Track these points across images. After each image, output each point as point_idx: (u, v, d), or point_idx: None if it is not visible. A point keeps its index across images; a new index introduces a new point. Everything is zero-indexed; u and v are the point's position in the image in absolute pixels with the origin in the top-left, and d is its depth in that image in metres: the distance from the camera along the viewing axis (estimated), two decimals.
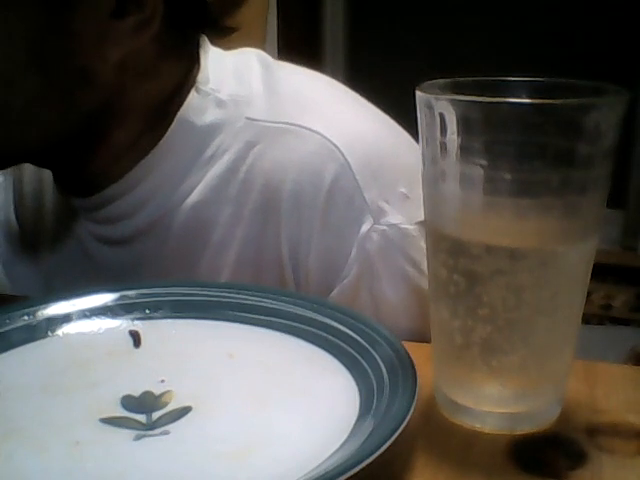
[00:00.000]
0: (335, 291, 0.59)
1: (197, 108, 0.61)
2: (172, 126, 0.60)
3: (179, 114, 0.60)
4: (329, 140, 0.59)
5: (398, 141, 0.63)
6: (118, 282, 0.57)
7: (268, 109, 0.62)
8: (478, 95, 0.36)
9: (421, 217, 0.42)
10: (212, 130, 0.61)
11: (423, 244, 0.44)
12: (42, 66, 0.53)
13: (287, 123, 0.61)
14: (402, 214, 0.58)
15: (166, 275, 0.62)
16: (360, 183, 0.59)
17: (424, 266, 0.45)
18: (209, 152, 0.61)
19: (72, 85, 0.55)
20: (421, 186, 0.41)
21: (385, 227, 0.58)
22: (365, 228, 0.58)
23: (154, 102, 0.60)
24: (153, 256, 0.63)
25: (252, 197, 0.60)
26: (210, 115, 0.61)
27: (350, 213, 0.58)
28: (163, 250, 0.62)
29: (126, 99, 0.58)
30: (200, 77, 0.61)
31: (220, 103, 0.61)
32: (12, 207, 0.73)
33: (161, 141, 0.60)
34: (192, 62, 0.62)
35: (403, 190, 0.59)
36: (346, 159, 0.59)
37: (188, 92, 0.61)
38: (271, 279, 0.60)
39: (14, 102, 0.54)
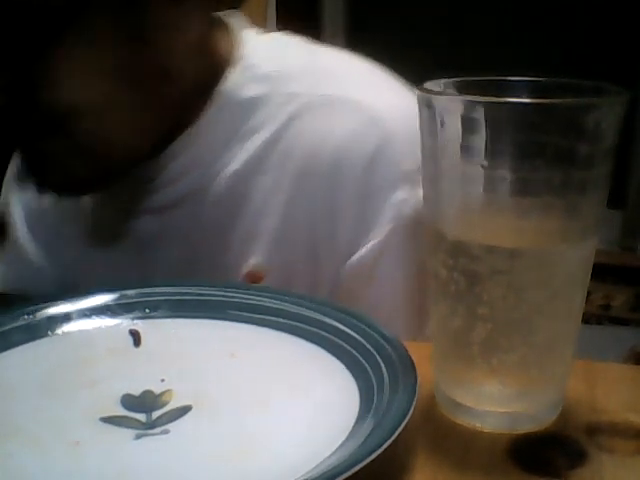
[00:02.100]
0: (361, 251, 0.61)
1: (239, 82, 0.63)
2: (216, 98, 0.62)
3: (220, 88, 0.62)
4: (372, 110, 0.62)
5: None
6: (150, 256, 0.61)
7: (309, 84, 0.64)
8: (478, 95, 0.36)
9: None
10: (253, 104, 0.63)
11: None
12: (134, 77, 0.55)
13: (329, 95, 0.63)
14: None
15: (200, 242, 0.64)
16: (401, 153, 0.61)
17: None
18: (250, 125, 0.63)
19: (157, 84, 0.57)
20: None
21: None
22: (402, 195, 0.60)
23: (199, 76, 0.62)
24: (190, 223, 0.64)
25: (292, 164, 0.62)
26: (251, 90, 0.63)
27: (389, 179, 0.61)
28: (200, 217, 0.64)
29: (174, 68, 0.60)
30: (240, 53, 0.63)
31: (261, 78, 0.63)
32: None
33: (203, 113, 0.62)
34: (232, 38, 0.64)
35: None
36: (388, 129, 0.61)
37: (229, 67, 0.63)
38: (304, 243, 0.62)
39: (122, 119, 0.56)
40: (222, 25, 0.64)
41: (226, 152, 0.63)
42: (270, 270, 0.63)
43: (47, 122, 0.53)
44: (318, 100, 0.63)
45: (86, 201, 0.69)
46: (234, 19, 0.65)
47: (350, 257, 0.61)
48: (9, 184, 0.74)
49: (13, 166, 0.74)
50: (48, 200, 0.70)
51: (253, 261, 0.63)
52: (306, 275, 0.63)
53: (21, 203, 0.74)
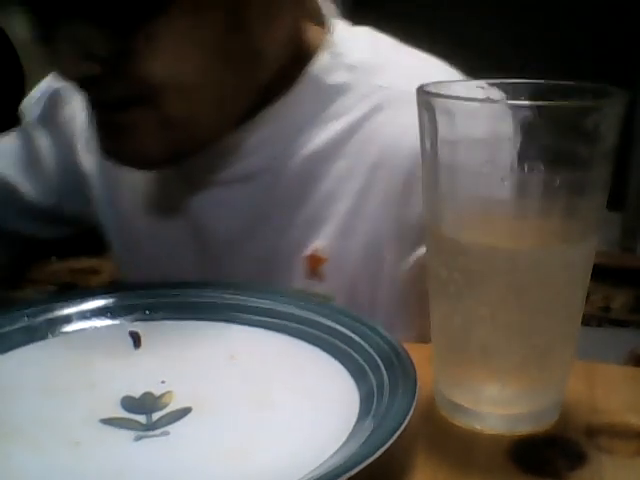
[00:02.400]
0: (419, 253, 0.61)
1: (326, 67, 0.63)
2: (302, 79, 0.63)
3: (310, 70, 0.63)
4: None
5: None
6: (210, 227, 0.63)
7: (393, 79, 0.64)
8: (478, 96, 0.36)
9: None
10: (338, 90, 0.63)
11: None
12: (226, 58, 0.55)
13: (411, 92, 0.63)
14: None
15: (264, 219, 0.64)
16: None
17: None
18: (333, 109, 0.63)
19: (250, 69, 0.58)
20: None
21: None
22: None
23: (290, 55, 0.62)
24: (258, 199, 0.65)
25: (369, 154, 0.62)
26: (338, 76, 0.63)
27: None
28: (270, 194, 0.64)
29: (267, 58, 0.60)
30: (331, 39, 0.64)
31: (348, 67, 0.64)
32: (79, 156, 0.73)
33: (290, 91, 0.62)
34: (323, 24, 0.65)
35: None
36: None
37: (318, 52, 0.63)
38: (369, 236, 0.62)
39: (211, 96, 0.56)
40: (314, 11, 0.65)
41: (305, 133, 0.63)
42: (332, 257, 0.63)
43: (137, 93, 0.53)
44: (401, 95, 0.62)
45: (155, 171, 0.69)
46: (325, 7, 0.66)
47: (411, 258, 0.61)
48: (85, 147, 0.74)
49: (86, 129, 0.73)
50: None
51: (316, 244, 0.63)
52: (367, 271, 0.63)
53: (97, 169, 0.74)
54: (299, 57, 0.63)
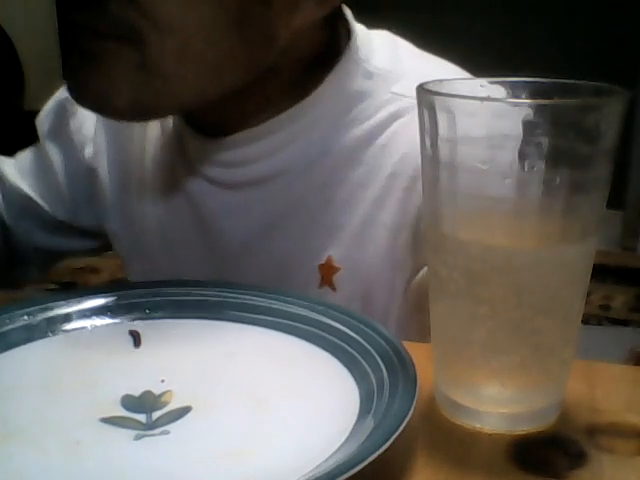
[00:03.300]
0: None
1: (347, 73, 0.63)
2: (322, 84, 0.62)
3: (330, 75, 0.62)
4: None
5: None
6: (224, 230, 0.63)
7: (414, 87, 0.64)
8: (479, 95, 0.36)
9: None
10: (357, 96, 0.63)
11: None
12: (239, 29, 0.54)
13: None
14: None
15: (274, 225, 0.64)
16: None
17: None
18: (351, 116, 0.63)
19: (258, 47, 0.56)
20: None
21: None
22: None
23: (309, 59, 0.62)
24: (270, 203, 0.64)
25: (387, 163, 0.62)
26: (358, 83, 0.63)
27: None
28: (284, 199, 0.64)
29: (287, 55, 0.59)
30: (351, 45, 0.63)
31: (368, 74, 0.63)
32: (106, 158, 0.73)
33: (309, 96, 0.62)
34: (344, 29, 0.65)
35: None
36: None
37: (340, 56, 0.63)
38: (384, 246, 0.62)
39: (207, 56, 0.54)
40: (338, 15, 0.64)
41: (324, 139, 0.63)
42: (345, 266, 0.63)
43: (129, 25, 0.50)
44: None
45: (165, 170, 0.68)
46: (347, 11, 0.65)
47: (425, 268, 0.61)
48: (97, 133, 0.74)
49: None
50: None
51: (331, 253, 0.63)
52: (381, 281, 0.63)
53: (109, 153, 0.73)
54: (323, 61, 0.62)
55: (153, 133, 0.70)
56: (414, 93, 0.63)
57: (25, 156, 0.79)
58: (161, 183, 0.69)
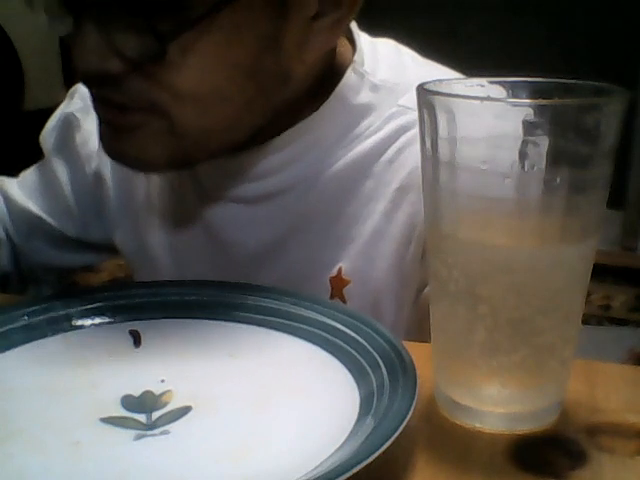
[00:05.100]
0: None
1: (353, 87, 0.62)
2: (329, 99, 0.62)
3: (336, 90, 0.62)
4: None
5: None
6: (233, 244, 0.63)
7: None
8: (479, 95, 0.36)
9: None
10: (364, 110, 0.63)
11: None
12: (254, 81, 0.54)
13: None
14: None
15: (283, 239, 0.64)
16: None
17: None
18: (359, 130, 0.63)
19: (275, 89, 0.57)
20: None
21: None
22: None
23: (317, 75, 0.61)
24: (279, 219, 0.64)
25: (395, 176, 0.62)
26: (364, 96, 0.63)
27: None
28: (293, 213, 0.64)
29: (296, 74, 0.59)
30: (357, 58, 0.63)
31: (374, 87, 0.63)
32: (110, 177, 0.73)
33: (317, 112, 0.62)
34: (350, 42, 0.64)
35: None
36: None
37: (345, 70, 0.63)
38: (392, 259, 0.62)
39: (227, 111, 0.55)
40: (346, 30, 0.64)
41: (331, 153, 0.62)
42: (355, 279, 0.63)
43: (152, 100, 0.52)
44: None
45: (171, 185, 0.69)
46: (352, 22, 0.65)
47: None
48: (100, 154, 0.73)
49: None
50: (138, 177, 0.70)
51: (341, 266, 0.63)
52: (390, 293, 0.63)
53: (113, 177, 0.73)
54: (329, 76, 0.62)
55: None
56: None
57: (30, 175, 0.78)
58: (169, 199, 0.69)
